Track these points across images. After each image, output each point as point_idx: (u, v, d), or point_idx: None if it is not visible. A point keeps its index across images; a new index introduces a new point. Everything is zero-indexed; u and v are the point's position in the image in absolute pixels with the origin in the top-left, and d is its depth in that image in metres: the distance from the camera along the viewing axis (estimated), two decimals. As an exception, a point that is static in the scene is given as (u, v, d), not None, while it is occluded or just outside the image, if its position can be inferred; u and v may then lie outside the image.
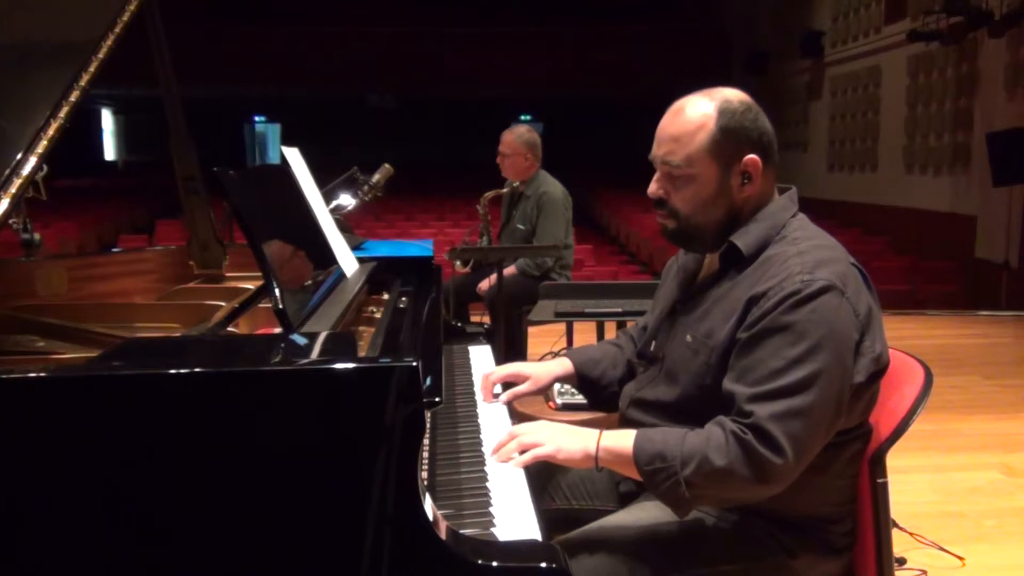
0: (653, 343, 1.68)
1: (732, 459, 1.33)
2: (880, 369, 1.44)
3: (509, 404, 1.80)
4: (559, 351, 3.73)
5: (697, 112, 1.49)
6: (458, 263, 4.30)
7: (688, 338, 1.53)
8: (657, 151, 1.53)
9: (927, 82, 9.66)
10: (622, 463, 1.42)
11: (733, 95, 1.51)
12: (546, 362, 1.84)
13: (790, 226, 1.51)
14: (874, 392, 1.49)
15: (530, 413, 2.21)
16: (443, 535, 1.14)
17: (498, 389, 1.82)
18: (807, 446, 1.35)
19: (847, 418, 1.44)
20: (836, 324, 1.37)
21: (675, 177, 1.51)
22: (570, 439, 1.44)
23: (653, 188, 1.55)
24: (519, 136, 4.33)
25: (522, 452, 1.44)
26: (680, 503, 1.38)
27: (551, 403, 2.17)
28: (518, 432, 1.48)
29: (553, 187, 4.37)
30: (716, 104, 1.48)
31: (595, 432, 1.44)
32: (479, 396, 1.85)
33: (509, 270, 4.22)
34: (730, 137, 1.47)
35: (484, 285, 4.32)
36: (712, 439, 1.35)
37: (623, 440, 1.42)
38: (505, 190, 4.43)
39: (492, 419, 1.74)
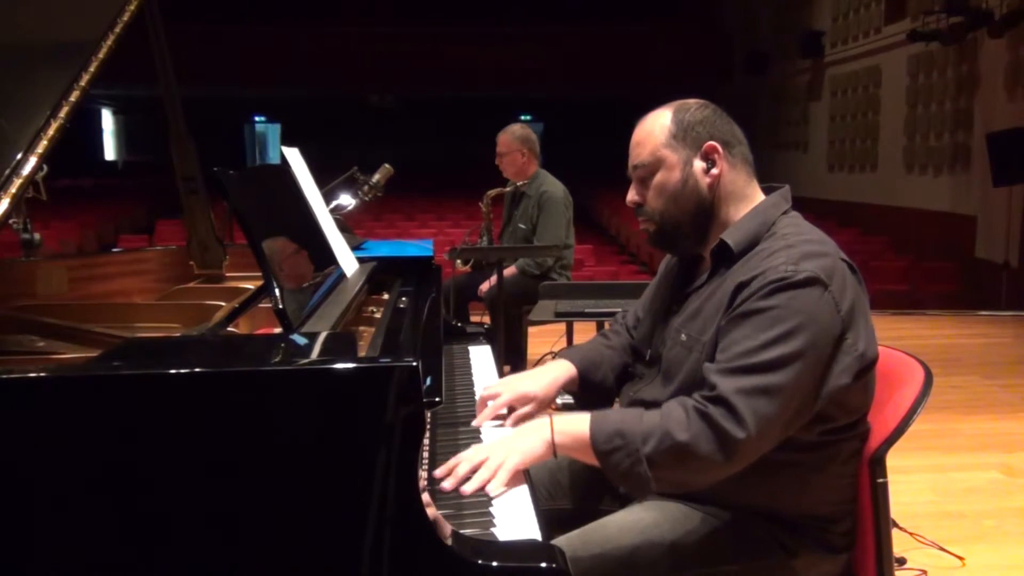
0: (649, 346, 1.68)
1: (694, 433, 1.33)
2: (865, 366, 1.44)
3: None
4: (559, 351, 3.73)
5: (656, 117, 1.59)
6: (458, 262, 4.31)
7: (683, 337, 1.55)
8: (629, 163, 1.60)
9: (927, 82, 9.66)
10: (579, 446, 1.42)
11: (691, 100, 1.60)
12: (548, 369, 1.78)
13: (780, 223, 1.53)
14: (868, 384, 1.48)
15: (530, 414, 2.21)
16: (443, 535, 1.14)
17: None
18: (770, 425, 1.35)
19: (842, 413, 1.45)
20: (814, 315, 1.37)
21: (644, 178, 1.58)
22: (525, 439, 1.44)
23: (630, 196, 1.62)
24: (512, 133, 4.37)
25: (492, 476, 1.39)
26: (639, 483, 1.37)
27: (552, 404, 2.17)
28: (472, 459, 1.41)
29: (553, 186, 4.38)
30: (672, 107, 1.59)
31: (545, 420, 1.45)
32: (478, 395, 1.75)
33: (509, 270, 4.23)
34: (687, 129, 1.55)
35: (485, 287, 4.33)
36: (671, 415, 1.37)
37: (578, 423, 1.43)
38: (508, 189, 4.44)
39: (492, 420, 1.73)
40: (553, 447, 1.43)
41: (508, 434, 1.49)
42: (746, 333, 1.38)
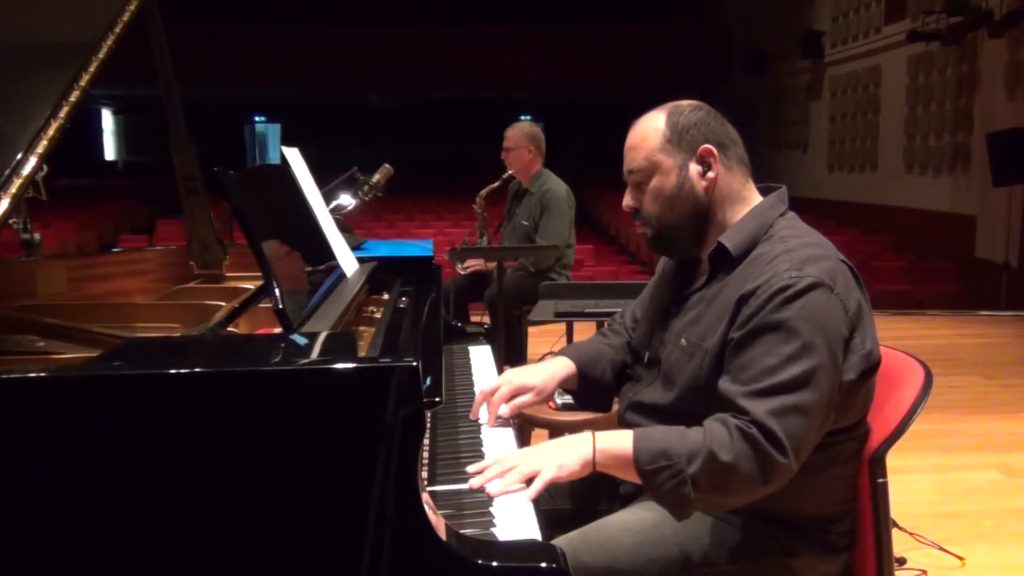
0: (648, 348, 1.68)
1: (738, 454, 1.32)
2: (871, 366, 1.44)
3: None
4: (558, 352, 3.73)
5: (649, 120, 1.57)
6: (458, 265, 4.33)
7: (683, 342, 1.54)
8: (624, 168, 1.59)
9: (927, 82, 9.66)
10: (620, 465, 1.39)
11: (685, 101, 1.58)
12: (547, 364, 1.78)
13: (778, 225, 1.52)
14: (869, 389, 1.49)
15: (529, 413, 2.21)
16: (443, 535, 1.14)
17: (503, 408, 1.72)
18: (804, 444, 1.35)
19: (843, 416, 1.44)
20: (826, 321, 1.37)
21: (640, 183, 1.57)
22: (565, 453, 1.40)
23: (626, 200, 1.61)
24: (521, 129, 4.41)
25: (526, 481, 1.38)
26: (682, 504, 1.35)
27: (551, 403, 2.17)
28: (509, 463, 1.40)
29: (557, 186, 4.39)
30: (666, 110, 1.57)
31: (587, 436, 1.41)
32: (483, 418, 1.71)
33: (511, 263, 4.27)
34: (681, 133, 1.53)
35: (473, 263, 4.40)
36: (714, 435, 1.34)
37: (620, 441, 1.39)
38: (497, 184, 4.45)
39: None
40: (593, 465, 1.40)
41: (548, 444, 1.46)
42: (764, 350, 1.37)
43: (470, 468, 1.41)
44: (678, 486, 1.33)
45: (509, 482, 1.37)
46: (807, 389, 1.34)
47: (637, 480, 1.38)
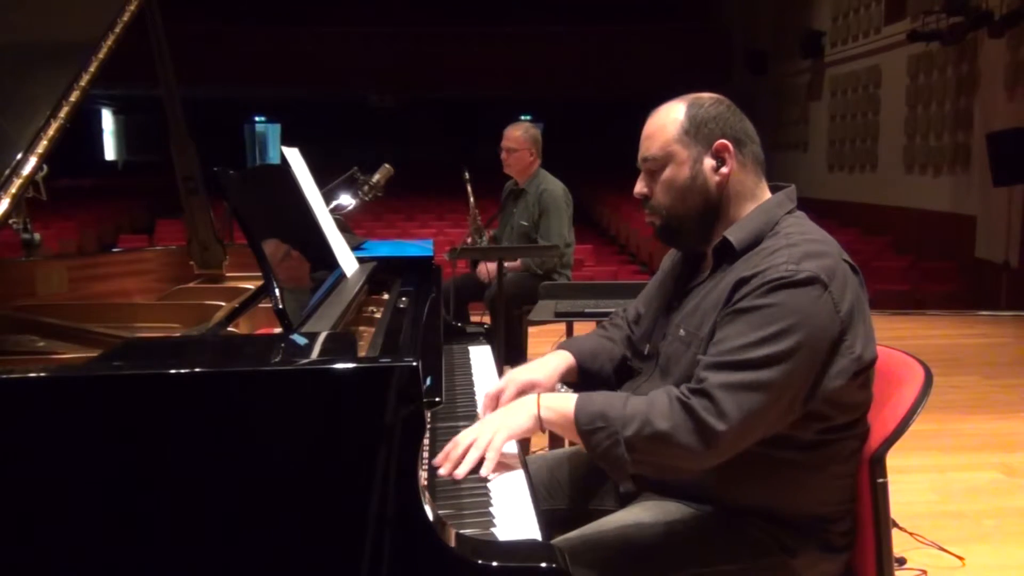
0: (648, 342, 1.68)
1: (675, 423, 1.35)
2: (862, 368, 1.44)
3: None
4: (557, 346, 3.73)
5: (669, 110, 1.57)
6: (480, 276, 4.36)
7: (681, 332, 1.55)
8: (639, 155, 1.60)
9: (927, 82, 9.66)
10: (564, 423, 1.45)
11: (706, 94, 1.59)
12: (547, 360, 1.78)
13: (784, 222, 1.52)
14: (867, 383, 1.48)
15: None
16: (442, 535, 1.14)
17: None
18: (753, 420, 1.35)
19: (841, 412, 1.45)
20: (812, 315, 1.37)
21: (653, 171, 1.58)
22: (513, 415, 1.48)
23: (638, 187, 1.61)
24: (526, 131, 4.41)
25: (482, 458, 1.41)
26: (618, 464, 1.39)
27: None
28: (462, 441, 1.43)
29: (553, 185, 4.39)
30: (687, 101, 1.57)
31: (533, 396, 1.49)
32: (479, 400, 1.75)
33: (515, 264, 4.27)
34: (699, 125, 1.53)
35: (483, 270, 4.38)
36: (656, 404, 1.38)
37: (565, 401, 1.46)
38: (468, 186, 4.45)
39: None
40: (540, 421, 1.46)
41: (492, 414, 1.52)
42: (740, 330, 1.38)
43: (436, 459, 1.42)
44: (612, 447, 1.38)
45: (472, 459, 1.40)
46: (768, 369, 1.34)
47: (579, 439, 1.43)
